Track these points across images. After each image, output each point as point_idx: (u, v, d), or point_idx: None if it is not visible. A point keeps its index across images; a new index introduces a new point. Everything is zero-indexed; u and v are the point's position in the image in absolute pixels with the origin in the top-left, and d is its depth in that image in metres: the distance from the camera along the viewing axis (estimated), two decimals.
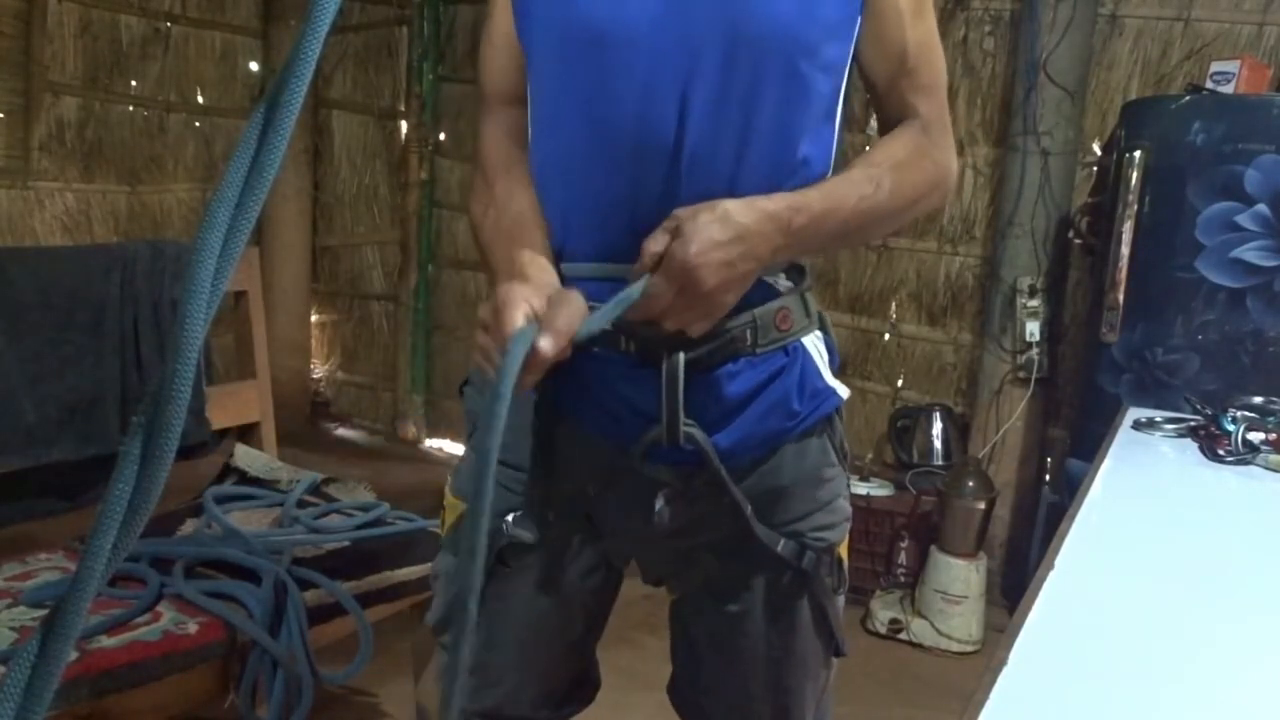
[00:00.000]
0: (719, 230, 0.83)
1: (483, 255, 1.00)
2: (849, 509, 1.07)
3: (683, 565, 1.04)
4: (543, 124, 0.98)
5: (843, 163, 1.00)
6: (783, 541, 1.00)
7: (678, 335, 0.89)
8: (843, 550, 1.06)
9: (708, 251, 0.82)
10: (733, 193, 0.88)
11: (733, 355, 0.95)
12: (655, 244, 0.84)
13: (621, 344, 0.94)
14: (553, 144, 0.97)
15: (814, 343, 1.02)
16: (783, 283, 0.98)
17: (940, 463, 3.19)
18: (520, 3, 0.98)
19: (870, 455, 3.45)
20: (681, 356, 0.92)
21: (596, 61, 0.90)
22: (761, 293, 0.94)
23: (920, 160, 0.97)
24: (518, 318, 0.80)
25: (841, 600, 1.07)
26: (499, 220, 0.98)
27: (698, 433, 0.94)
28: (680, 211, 0.85)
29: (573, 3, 0.92)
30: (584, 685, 1.16)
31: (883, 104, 1.02)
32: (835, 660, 1.10)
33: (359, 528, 1.82)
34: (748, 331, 0.94)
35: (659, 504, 0.97)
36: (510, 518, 1.01)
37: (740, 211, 0.84)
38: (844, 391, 1.04)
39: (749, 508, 0.98)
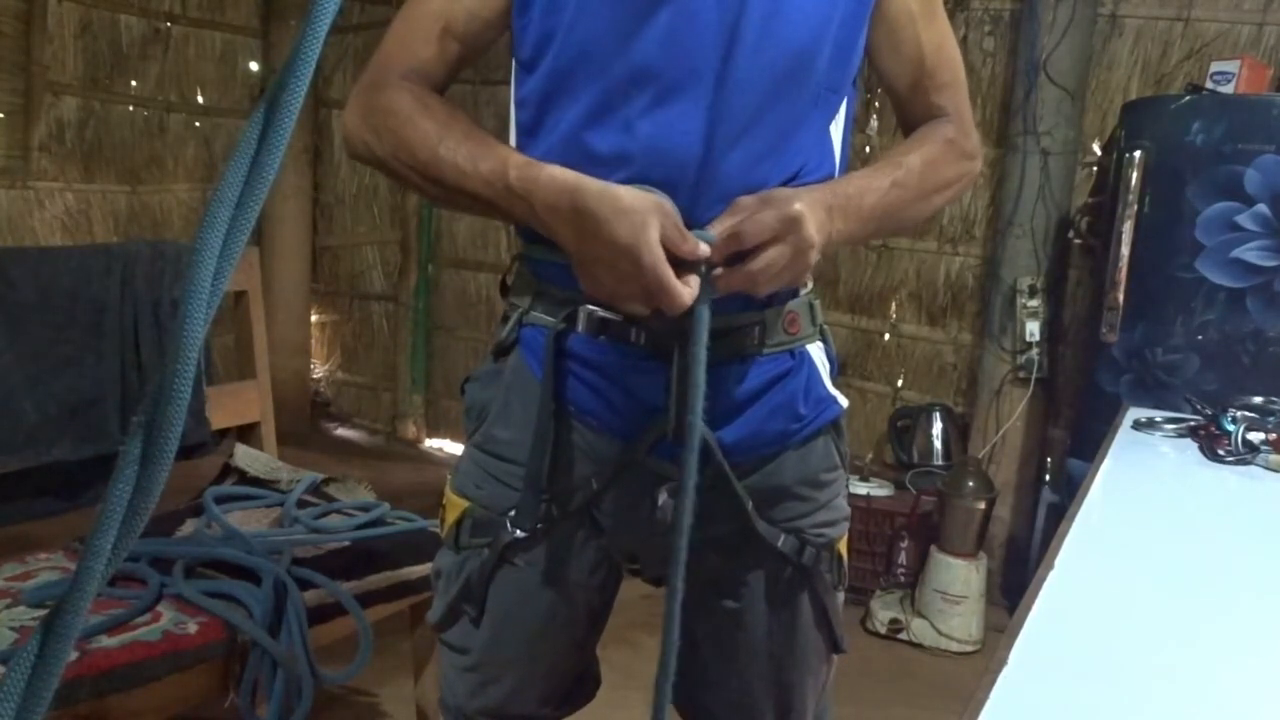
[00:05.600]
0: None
1: (403, 126, 0.93)
2: (848, 508, 1.09)
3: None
4: (559, 136, 0.95)
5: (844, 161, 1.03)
6: (783, 537, 1.01)
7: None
8: (842, 547, 1.07)
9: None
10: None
11: (740, 353, 0.96)
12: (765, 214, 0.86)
13: (632, 336, 0.94)
14: (569, 155, 0.94)
15: (818, 352, 1.04)
16: None
17: (940, 463, 3.19)
18: (541, 33, 0.94)
19: (870, 455, 3.45)
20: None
21: (627, 87, 0.90)
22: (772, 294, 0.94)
23: (950, 151, 1.02)
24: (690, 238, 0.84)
25: (841, 597, 1.08)
26: (432, 107, 0.94)
27: (704, 428, 0.93)
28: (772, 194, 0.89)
29: (615, 38, 0.90)
30: (586, 682, 1.16)
31: (906, 106, 1.06)
32: (835, 657, 1.10)
33: (359, 528, 1.82)
34: (756, 330, 0.96)
35: (662, 498, 0.97)
36: (513, 514, 1.01)
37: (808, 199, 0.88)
38: (843, 401, 1.06)
39: (750, 503, 0.99)
